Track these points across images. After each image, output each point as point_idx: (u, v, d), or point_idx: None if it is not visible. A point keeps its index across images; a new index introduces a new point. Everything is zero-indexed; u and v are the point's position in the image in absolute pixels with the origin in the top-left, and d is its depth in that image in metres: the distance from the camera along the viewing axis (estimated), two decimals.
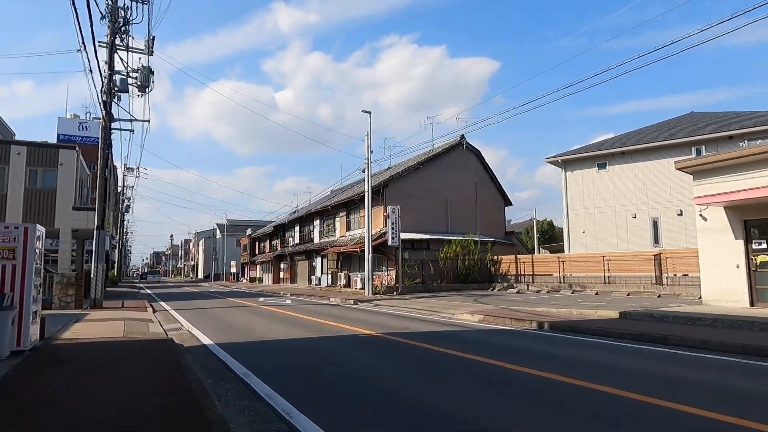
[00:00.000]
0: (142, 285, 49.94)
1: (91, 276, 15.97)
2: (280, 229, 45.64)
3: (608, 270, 21.13)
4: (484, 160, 29.71)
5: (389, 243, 22.16)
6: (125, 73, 17.09)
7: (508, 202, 32.04)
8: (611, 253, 21.53)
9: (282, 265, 44.46)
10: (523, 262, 24.75)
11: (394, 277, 23.83)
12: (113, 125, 17.30)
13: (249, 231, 58.83)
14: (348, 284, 29.20)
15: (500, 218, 31.35)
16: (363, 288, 26.42)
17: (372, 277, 21.87)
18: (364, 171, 23.69)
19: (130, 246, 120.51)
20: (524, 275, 24.60)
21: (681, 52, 28.53)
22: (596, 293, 19.93)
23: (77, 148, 23.56)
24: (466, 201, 28.62)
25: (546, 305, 14.36)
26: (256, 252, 55.51)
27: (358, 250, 24.76)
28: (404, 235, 23.70)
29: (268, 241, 50.36)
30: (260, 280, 49.24)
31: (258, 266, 52.28)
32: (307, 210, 37.11)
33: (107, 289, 34.10)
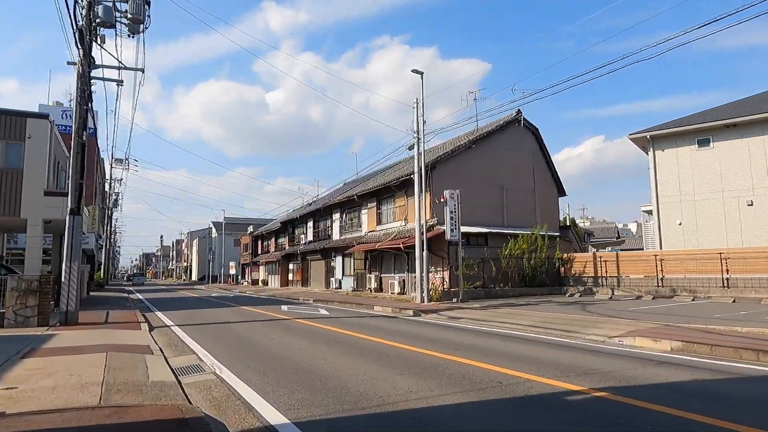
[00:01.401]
0: (131, 288, 45.47)
1: (62, 280, 11.61)
2: (289, 226, 41.32)
3: (726, 270, 16.97)
4: (542, 140, 25.56)
5: (448, 237, 17.93)
6: (111, 0, 12.75)
7: (561, 192, 27.89)
8: (731, 249, 17.37)
9: (291, 266, 40.12)
10: (605, 261, 20.59)
11: (447, 279, 19.58)
12: (95, 73, 12.94)
13: (250, 228, 54.43)
14: (380, 288, 24.93)
15: (555, 210, 27.20)
16: (403, 293, 22.19)
17: (425, 281, 17.60)
18: (411, 148, 19.43)
19: (119, 247, 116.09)
20: (605, 277, 20.42)
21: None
22: (733, 300, 15.79)
23: (50, 118, 19.16)
24: (523, 188, 24.44)
25: (729, 321, 10.17)
26: (259, 251, 51.13)
27: (400, 246, 20.50)
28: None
29: (273, 240, 46.02)
30: (265, 282, 44.88)
31: (262, 267, 47.91)
32: (325, 202, 32.78)
33: (91, 294, 29.65)
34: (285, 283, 40.83)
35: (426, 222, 21.16)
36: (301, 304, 20.05)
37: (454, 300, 17.89)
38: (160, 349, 8.42)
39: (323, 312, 15.94)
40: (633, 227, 65.32)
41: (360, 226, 28.58)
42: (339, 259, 30.69)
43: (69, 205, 12.08)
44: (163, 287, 49.65)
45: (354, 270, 27.92)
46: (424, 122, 18.31)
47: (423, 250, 17.82)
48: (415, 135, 18.86)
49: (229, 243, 67.09)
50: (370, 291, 25.22)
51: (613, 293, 19.50)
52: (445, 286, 19.28)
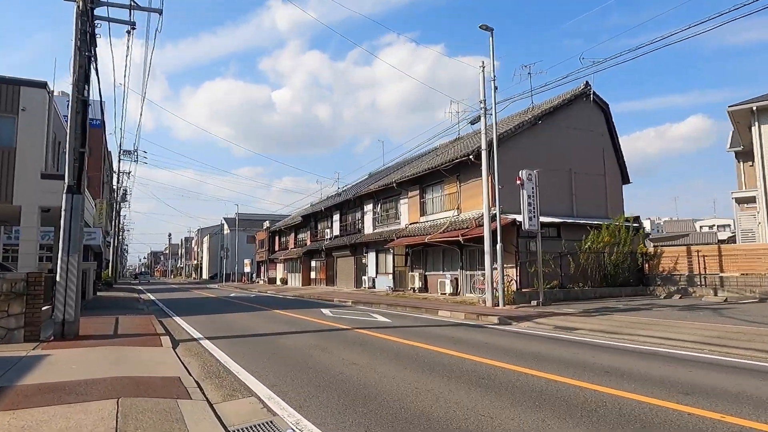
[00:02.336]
0: (141, 288, 43.06)
1: (58, 279, 8.86)
2: (311, 220, 38.56)
3: None
4: (611, 118, 22.47)
5: (526, 226, 14.99)
6: None
7: (626, 179, 24.77)
8: None
9: (314, 263, 37.38)
10: (704, 256, 17.50)
11: (518, 278, 16.63)
12: (99, 12, 10.16)
13: (267, 224, 51.79)
14: (424, 288, 22.05)
15: (619, 198, 24.07)
16: (456, 293, 19.33)
17: (501, 280, 14.67)
18: (474, 122, 16.51)
19: (127, 245, 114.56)
20: (704, 275, 17.35)
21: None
22: None
23: (49, 88, 16.47)
24: (593, 173, 21.40)
25: None
26: (276, 248, 48.49)
27: (459, 238, 17.58)
28: (521, 218, 16.52)
29: (292, 235, 43.31)
30: (284, 280, 42.21)
31: (280, 265, 45.25)
32: (355, 192, 29.92)
33: (98, 294, 27.09)
34: (307, 281, 38.11)
35: (479, 213, 18.24)
36: (343, 307, 17.24)
37: (534, 303, 14.95)
38: (197, 384, 5.63)
39: (380, 318, 13.10)
40: (668, 221, 61.85)
41: (398, 218, 25.69)
42: (372, 255, 27.85)
43: (66, 180, 9.33)
44: (174, 286, 47.24)
45: (393, 267, 25.06)
46: (496, 88, 15.33)
47: (497, 243, 14.89)
48: (482, 104, 15.91)
49: (242, 240, 64.54)
50: (413, 291, 22.35)
51: (715, 294, 16.46)
52: (515, 286, 16.34)
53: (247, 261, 54.40)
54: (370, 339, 9.18)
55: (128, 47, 15.13)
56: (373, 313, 14.81)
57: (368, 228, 28.61)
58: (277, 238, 48.70)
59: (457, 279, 20.11)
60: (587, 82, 21.43)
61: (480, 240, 17.50)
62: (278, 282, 44.73)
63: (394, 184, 24.19)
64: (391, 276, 25.64)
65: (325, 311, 15.65)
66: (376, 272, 27.35)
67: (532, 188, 15.24)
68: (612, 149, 23.16)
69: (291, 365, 6.72)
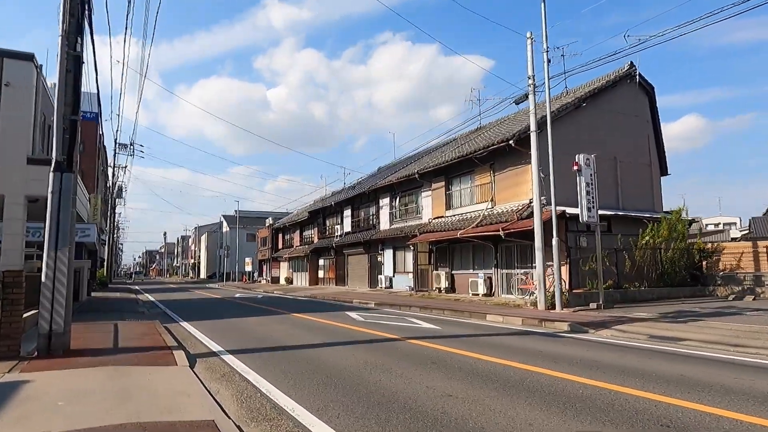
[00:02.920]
0: (138, 287, 41.17)
1: (43, 279, 7.05)
2: (319, 216, 36.72)
3: None
4: (656, 103, 20.71)
5: (584, 218, 13.24)
6: None
7: (664, 170, 23.03)
8: None
9: (322, 262, 35.56)
10: None
11: (567, 277, 14.87)
12: None
13: (269, 221, 49.90)
14: (451, 288, 20.29)
15: (658, 190, 22.31)
16: (490, 294, 17.58)
17: (557, 279, 12.91)
18: (520, 101, 14.74)
19: (122, 243, 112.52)
20: None
21: None
22: None
23: (37, 62, 14.59)
24: (638, 162, 19.65)
25: None
26: (280, 246, 46.62)
27: (499, 232, 15.77)
28: (570, 210, 14.79)
29: (298, 232, 41.46)
30: (289, 280, 40.37)
31: (284, 263, 43.39)
32: (370, 185, 28.07)
33: (93, 295, 25.19)
34: (314, 281, 36.29)
35: (519, 204, 16.51)
36: (369, 310, 15.45)
37: (592, 305, 13.18)
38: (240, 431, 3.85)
39: (424, 324, 11.31)
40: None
41: (419, 213, 23.89)
42: (388, 252, 26.05)
43: (54, 155, 7.51)
44: (173, 286, 45.35)
45: (414, 265, 23.26)
46: (549, 61, 13.55)
47: (553, 237, 13.11)
48: (530, 81, 14.13)
49: (241, 238, 62.63)
50: (439, 291, 20.57)
51: None
52: (565, 286, 14.56)
53: (248, 260, 52.51)
54: (438, 354, 7.38)
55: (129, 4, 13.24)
56: (411, 317, 13.02)
57: (384, 224, 26.80)
58: (280, 235, 46.83)
59: (490, 278, 18.35)
60: (632, 62, 19.70)
61: (523, 235, 15.76)
62: (283, 281, 42.88)
63: (417, 176, 22.36)
64: (411, 275, 23.84)
65: (353, 315, 13.85)
66: (394, 271, 25.55)
67: (591, 175, 13.48)
68: (653, 137, 21.41)
69: (362, 397, 4.91)
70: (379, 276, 26.35)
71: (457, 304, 15.71)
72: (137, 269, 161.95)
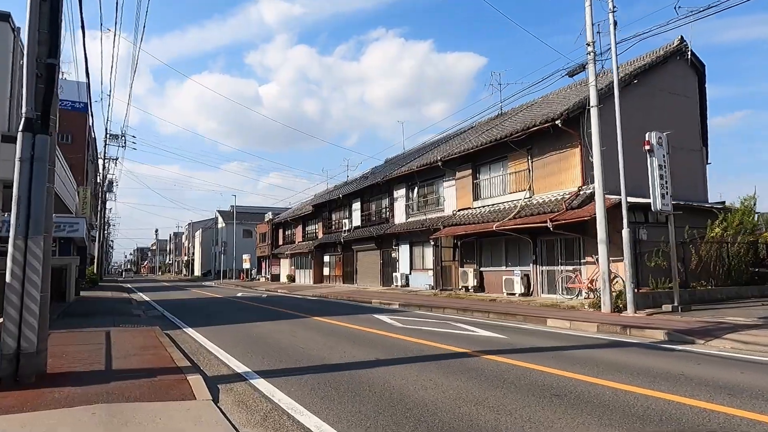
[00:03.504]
0: (131, 286, 39.13)
1: (8, 279, 5.10)
2: (324, 209, 34.77)
3: None
4: (705, 83, 18.95)
5: (657, 207, 11.46)
6: None
7: (707, 158, 21.30)
8: None
9: (327, 258, 33.65)
10: None
11: (624, 274, 13.04)
12: None
13: (269, 215, 47.89)
14: (480, 287, 18.49)
15: (705, 178, 20.56)
16: (528, 294, 15.79)
17: (629, 277, 11.12)
18: (574, 74, 12.91)
19: (113, 240, 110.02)
20: None
21: None
22: None
23: (13, 23, 12.59)
24: (688, 147, 17.87)
25: None
26: (281, 242, 44.64)
27: (547, 224, 13.95)
28: (632, 199, 12.95)
29: (300, 227, 39.50)
30: (291, 278, 38.44)
31: (285, 260, 41.44)
32: (384, 176, 26.13)
33: (82, 294, 23.15)
34: (319, 279, 34.38)
35: (565, 192, 14.75)
36: (399, 312, 13.63)
37: (665, 307, 11.40)
38: None
39: (481, 332, 9.48)
40: None
41: (440, 204, 22.05)
42: (404, 248, 24.19)
43: (23, 110, 5.57)
44: (167, 284, 43.29)
45: (435, 262, 21.43)
46: (615, 23, 11.71)
47: (623, 227, 11.32)
48: (589, 48, 12.29)
49: (238, 234, 60.52)
50: (465, 290, 18.78)
51: None
52: (611, 283, 12.77)
53: (245, 256, 50.49)
54: (546, 379, 5.54)
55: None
56: (454, 322, 11.19)
57: (400, 217, 24.92)
58: (281, 231, 44.85)
59: (527, 276, 16.55)
60: (682, 36, 17.91)
61: (570, 227, 13.97)
62: (284, 279, 40.94)
63: (439, 163, 20.48)
64: (431, 273, 22.02)
65: (385, 318, 12.02)
66: (410, 268, 23.71)
67: (663, 156, 11.71)
68: (700, 121, 19.65)
69: None
70: (394, 274, 24.49)
71: (495, 305, 13.90)
72: (128, 267, 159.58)
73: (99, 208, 47.48)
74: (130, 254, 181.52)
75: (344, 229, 30.56)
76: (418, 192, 23.37)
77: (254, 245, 58.78)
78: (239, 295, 24.95)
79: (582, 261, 14.76)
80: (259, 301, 19.73)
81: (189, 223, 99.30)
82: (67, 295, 17.65)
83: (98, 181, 51.29)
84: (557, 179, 15.73)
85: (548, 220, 13.97)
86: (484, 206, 18.90)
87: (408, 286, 23.66)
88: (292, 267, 39.40)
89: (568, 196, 14.74)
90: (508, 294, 16.78)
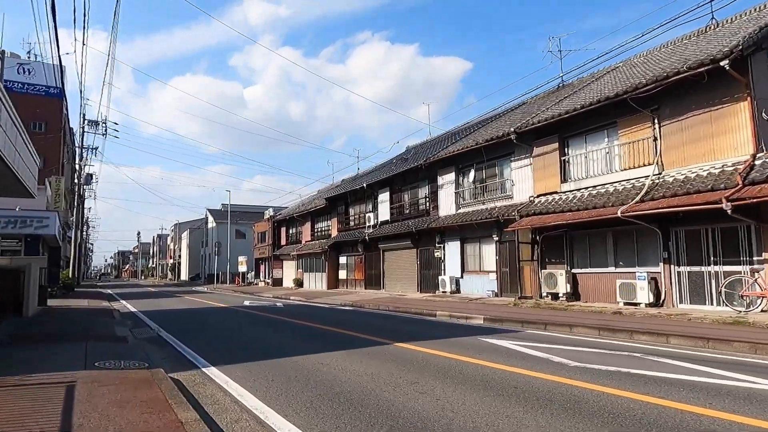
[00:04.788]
0: (111, 292, 34.45)
1: None
2: (339, 202, 30.44)
3: None
4: None
5: None
6: None
7: None
8: None
9: (344, 260, 29.33)
10: None
11: None
12: None
13: (269, 212, 43.39)
14: (573, 293, 14.36)
15: None
16: (658, 304, 11.70)
17: None
18: None
19: (92, 243, 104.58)
20: None
21: None
22: None
23: None
24: None
25: None
26: (283, 242, 40.20)
27: (723, 205, 9.83)
28: None
29: (308, 224, 35.12)
30: (299, 282, 34.00)
31: (291, 262, 37.02)
32: (427, 158, 21.80)
33: (49, 304, 18.50)
34: (334, 283, 30.03)
35: (754, 156, 10.64)
36: (507, 333, 9.41)
37: None
38: None
39: (743, 379, 5.28)
40: None
41: (505, 190, 17.90)
42: (454, 246, 20.01)
43: None
44: (152, 290, 38.60)
45: (505, 263, 17.28)
46: None
47: None
48: None
49: (230, 234, 55.74)
50: (553, 298, 14.67)
51: None
52: None
53: (241, 258, 45.83)
54: None
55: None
56: (648, 354, 7.00)
57: (446, 208, 20.69)
58: (283, 229, 40.40)
59: (655, 280, 12.45)
60: None
61: (744, 211, 9.90)
62: (289, 284, 36.50)
63: (512, 136, 16.28)
64: (493, 276, 17.88)
65: (511, 346, 7.88)
66: (463, 270, 19.52)
67: None
68: None
69: None
70: (440, 277, 20.26)
71: (632, 321, 9.84)
72: (106, 271, 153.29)
73: (76, 203, 42.66)
74: (111, 258, 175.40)
75: (368, 224, 26.28)
76: (474, 176, 19.12)
77: (248, 246, 54.28)
78: (247, 303, 20.58)
79: (758, 258, 10.67)
80: (280, 313, 15.41)
81: (175, 224, 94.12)
82: (25, 306, 13.17)
83: (75, 173, 46.36)
84: (705, 147, 11.65)
85: (723, 199, 9.84)
86: (578, 189, 14.77)
87: (459, 292, 19.47)
88: (300, 270, 34.95)
89: (735, 168, 10.66)
90: (625, 304, 12.68)
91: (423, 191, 22.81)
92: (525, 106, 21.92)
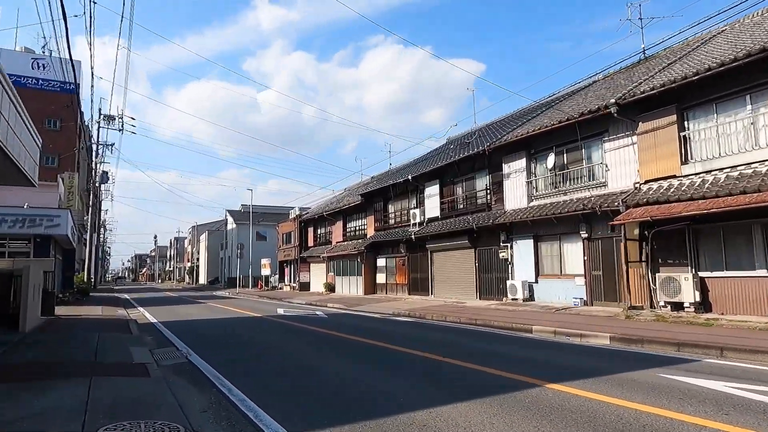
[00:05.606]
0: (127, 296, 32.34)
1: None
2: (377, 198, 27.72)
3: None
4: None
5: None
6: None
7: None
8: None
9: (383, 262, 26.61)
10: None
11: None
12: None
13: (295, 211, 40.87)
14: (702, 303, 11.39)
15: None
16: None
17: None
18: None
19: (109, 247, 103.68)
20: None
21: None
22: None
23: None
24: None
25: None
26: (311, 243, 37.64)
27: None
28: None
29: (340, 223, 32.48)
30: (330, 287, 31.34)
31: (320, 265, 34.41)
32: (489, 143, 18.89)
33: (56, 313, 16.06)
34: (371, 288, 27.31)
35: None
36: (687, 365, 6.57)
37: None
38: None
39: None
40: None
41: (595, 177, 14.98)
42: (525, 244, 17.15)
43: None
44: (172, 295, 36.37)
45: (597, 265, 14.36)
46: None
47: None
48: None
49: (246, 236, 53.37)
50: (674, 308, 11.70)
51: None
52: None
53: (264, 261, 43.45)
54: None
55: None
56: None
57: (515, 200, 17.83)
58: (311, 229, 37.82)
59: None
60: None
61: None
62: (319, 288, 33.90)
63: (613, 109, 13.35)
64: (579, 280, 14.98)
65: (698, 384, 5.10)
66: (537, 274, 16.64)
67: None
68: None
69: None
70: (508, 282, 17.39)
71: None
72: (122, 274, 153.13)
73: (92, 202, 40.67)
74: (128, 261, 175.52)
75: (412, 222, 23.50)
76: (554, 162, 16.19)
77: (269, 249, 52.01)
78: (282, 312, 17.99)
79: None
80: (330, 327, 12.71)
81: (193, 226, 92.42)
82: (21, 319, 10.66)
83: (92, 171, 44.43)
84: None
85: None
86: (707, 171, 11.82)
87: (533, 299, 16.61)
88: (330, 273, 32.29)
89: None
90: None
91: (481, 182, 19.96)
92: (595, 87, 19.00)
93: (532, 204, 17.05)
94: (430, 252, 22.48)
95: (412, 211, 23.66)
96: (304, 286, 36.61)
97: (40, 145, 12.66)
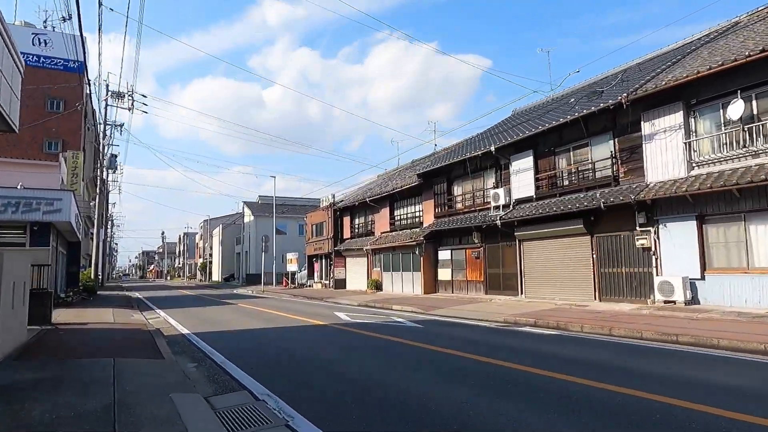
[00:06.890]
0: (138, 295, 28.55)
1: None
2: (439, 180, 23.47)
3: None
4: None
5: None
6: None
7: None
8: None
9: (448, 254, 22.43)
10: None
11: None
12: None
13: (327, 199, 36.74)
14: None
15: None
16: None
17: None
18: None
19: (117, 243, 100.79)
20: None
21: None
22: None
23: None
24: None
25: None
26: (347, 235, 33.52)
27: None
28: None
29: (386, 210, 28.31)
30: (377, 284, 27.17)
31: (359, 260, 30.27)
32: (628, 92, 14.52)
33: (54, 320, 12.00)
34: (431, 286, 23.12)
35: None
36: None
37: None
38: None
39: None
40: None
41: None
42: (679, 228, 12.87)
43: None
44: (190, 294, 32.50)
45: None
46: None
47: None
48: None
49: (270, 230, 49.51)
50: None
51: None
52: None
53: (291, 256, 39.35)
54: None
55: None
56: None
57: (662, 168, 13.53)
58: (347, 219, 33.68)
59: None
60: None
61: None
62: (360, 286, 29.79)
63: None
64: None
65: None
66: (703, 267, 12.36)
67: None
68: None
69: None
70: (657, 279, 13.10)
71: None
72: (128, 271, 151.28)
73: (99, 190, 36.85)
74: (136, 257, 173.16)
75: (493, 205, 19.25)
76: (730, 110, 11.86)
77: (288, 244, 48.27)
78: (347, 318, 13.89)
79: None
80: (441, 344, 8.56)
81: (204, 220, 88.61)
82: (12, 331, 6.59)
83: (99, 156, 40.59)
84: None
85: None
86: None
87: (697, 302, 12.36)
88: (376, 269, 28.12)
89: None
90: None
91: (601, 150, 15.65)
92: (738, 26, 14.68)
93: (693, 173, 12.74)
94: (518, 241, 18.24)
95: (493, 192, 19.37)
96: (340, 284, 32.52)
97: (22, 72, 8.57)
